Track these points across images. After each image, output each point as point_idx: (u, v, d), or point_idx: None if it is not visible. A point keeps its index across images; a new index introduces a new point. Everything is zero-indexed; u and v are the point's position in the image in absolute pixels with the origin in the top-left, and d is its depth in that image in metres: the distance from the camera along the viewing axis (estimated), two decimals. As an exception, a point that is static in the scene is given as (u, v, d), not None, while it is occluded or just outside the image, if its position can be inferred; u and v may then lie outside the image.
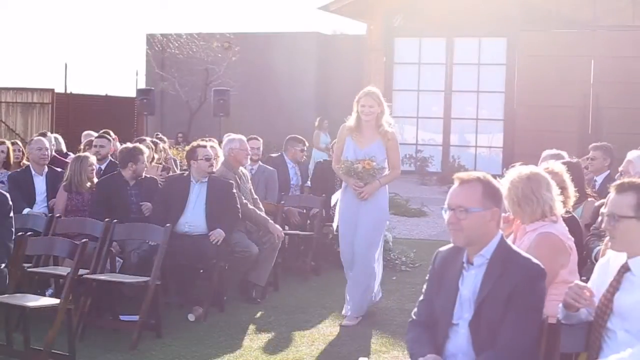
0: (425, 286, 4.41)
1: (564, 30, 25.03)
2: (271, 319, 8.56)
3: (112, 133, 12.25)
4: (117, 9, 77.86)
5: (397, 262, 11.44)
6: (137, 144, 9.77)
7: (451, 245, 4.31)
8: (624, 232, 4.08)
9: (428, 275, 4.41)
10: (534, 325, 4.05)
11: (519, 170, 5.20)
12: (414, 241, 13.61)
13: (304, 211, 11.38)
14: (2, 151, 10.81)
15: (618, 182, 4.21)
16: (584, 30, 24.80)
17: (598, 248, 6.46)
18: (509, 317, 4.01)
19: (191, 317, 8.31)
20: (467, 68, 26.25)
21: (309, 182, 12.34)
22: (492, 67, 26.07)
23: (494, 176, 4.37)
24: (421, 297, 4.41)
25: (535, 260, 4.15)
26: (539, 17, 25.27)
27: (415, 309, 4.43)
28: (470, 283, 4.17)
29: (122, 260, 8.52)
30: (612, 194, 4.19)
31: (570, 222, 5.55)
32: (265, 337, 7.88)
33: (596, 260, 6.48)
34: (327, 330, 8.16)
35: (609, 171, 9.97)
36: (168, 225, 7.99)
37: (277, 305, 9.12)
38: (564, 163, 6.92)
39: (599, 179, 9.76)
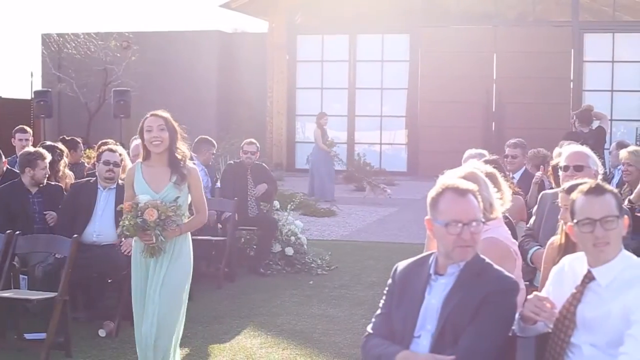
0: (383, 300, 4.11)
1: (465, 25, 25.21)
2: (186, 331, 8.09)
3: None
4: (9, 7, 75.74)
5: (312, 265, 11.10)
6: (39, 148, 9.11)
7: (411, 258, 4.04)
8: (618, 234, 3.82)
9: (387, 289, 4.11)
10: (497, 337, 3.77)
11: (453, 172, 4.91)
12: (328, 242, 13.30)
13: (215, 215, 10.96)
14: None
15: (584, 185, 3.89)
16: (486, 25, 25.01)
17: (534, 249, 6.26)
18: (472, 325, 3.75)
19: (102, 333, 7.86)
20: (370, 65, 26.22)
21: (218, 184, 11.98)
22: (395, 63, 26.07)
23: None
24: (378, 311, 4.10)
25: (508, 274, 3.90)
26: (441, 13, 25.41)
27: (372, 324, 4.10)
28: (439, 292, 3.89)
29: (26, 277, 8.02)
30: (581, 199, 3.85)
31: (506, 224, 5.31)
32: (181, 351, 7.45)
33: (532, 263, 6.30)
34: (247, 341, 7.80)
35: (525, 167, 9.88)
36: (75, 235, 7.50)
37: (192, 316, 8.62)
38: (486, 161, 6.73)
39: (517, 176, 9.66)
